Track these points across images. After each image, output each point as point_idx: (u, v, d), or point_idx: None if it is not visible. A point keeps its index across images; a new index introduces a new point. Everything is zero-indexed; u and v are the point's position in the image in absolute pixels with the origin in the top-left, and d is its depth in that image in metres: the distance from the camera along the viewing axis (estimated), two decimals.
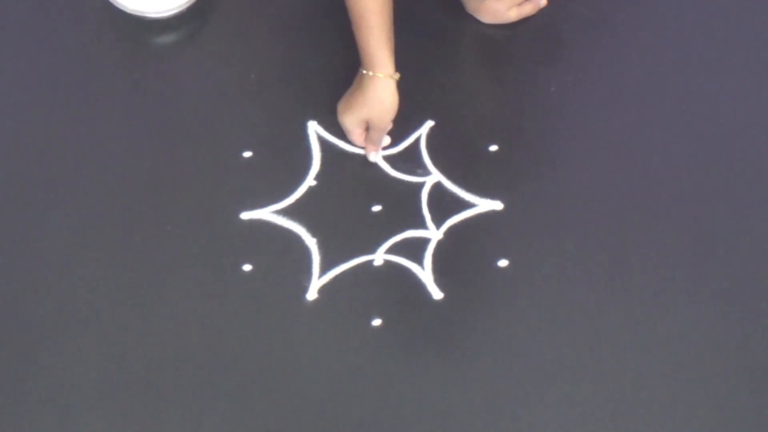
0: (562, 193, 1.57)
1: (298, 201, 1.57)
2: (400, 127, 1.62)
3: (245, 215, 1.56)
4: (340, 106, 1.57)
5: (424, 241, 1.54)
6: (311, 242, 1.54)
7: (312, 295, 1.50)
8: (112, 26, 1.72)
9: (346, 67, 1.63)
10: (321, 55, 1.66)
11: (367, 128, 1.56)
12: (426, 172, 1.59)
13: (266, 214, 1.56)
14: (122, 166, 1.60)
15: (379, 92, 1.51)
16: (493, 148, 1.60)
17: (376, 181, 1.58)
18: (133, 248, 1.54)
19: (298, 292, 1.51)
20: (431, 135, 1.62)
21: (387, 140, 1.59)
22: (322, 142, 1.61)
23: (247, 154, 1.60)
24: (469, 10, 1.70)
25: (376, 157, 1.59)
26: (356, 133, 1.57)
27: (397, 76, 1.51)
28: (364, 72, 1.51)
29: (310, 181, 1.58)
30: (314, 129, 1.62)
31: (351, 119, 1.56)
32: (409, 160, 1.60)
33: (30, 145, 1.62)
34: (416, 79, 1.66)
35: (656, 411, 1.42)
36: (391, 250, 1.53)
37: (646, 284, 1.50)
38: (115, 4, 1.70)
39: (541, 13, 1.70)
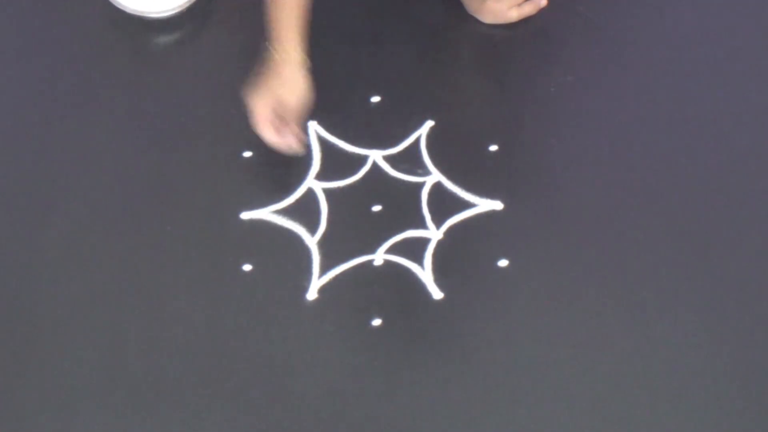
0: (562, 193, 1.57)
1: (298, 201, 1.57)
2: (400, 127, 1.62)
3: (245, 215, 1.56)
4: (249, 90, 1.52)
5: (424, 241, 1.54)
6: (311, 242, 1.54)
7: (312, 295, 1.50)
8: (112, 26, 1.72)
9: (346, 67, 1.64)
10: (321, 55, 1.66)
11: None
12: (426, 172, 1.59)
13: (266, 214, 1.56)
14: (122, 166, 1.60)
15: (289, 71, 1.48)
16: (493, 148, 1.60)
17: (376, 181, 1.58)
18: (133, 248, 1.54)
19: (298, 292, 1.51)
20: (431, 135, 1.62)
21: (301, 134, 1.54)
22: (322, 142, 1.61)
23: (247, 154, 1.61)
24: (470, 11, 1.70)
25: (296, 145, 1.53)
26: (265, 117, 1.50)
27: (306, 61, 1.48)
28: (274, 53, 1.48)
29: (310, 181, 1.58)
30: (314, 129, 1.62)
31: (259, 100, 1.50)
32: (409, 160, 1.60)
33: (30, 145, 1.62)
34: (416, 79, 1.66)
35: (656, 411, 1.42)
36: (391, 250, 1.53)
37: (646, 284, 1.50)
38: (115, 4, 1.70)
39: (541, 13, 1.70)
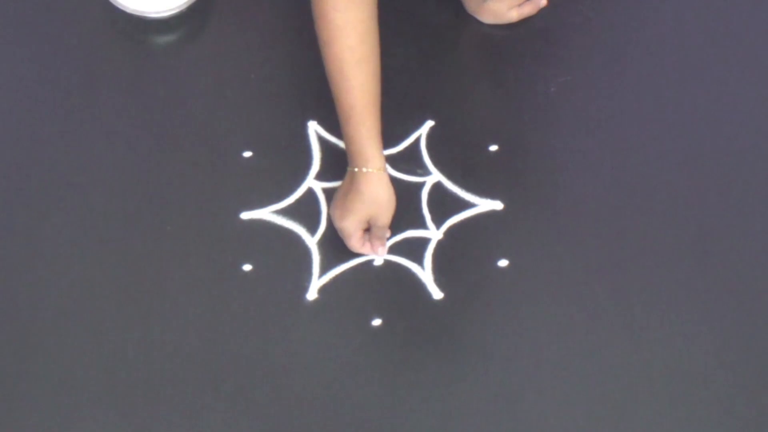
0: (562, 193, 1.57)
1: (298, 201, 1.57)
2: (400, 127, 1.62)
3: (245, 215, 1.56)
4: (336, 212, 1.50)
5: (424, 241, 1.54)
6: (311, 242, 1.54)
7: (312, 295, 1.50)
8: (112, 26, 1.72)
9: None
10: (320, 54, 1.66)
11: (368, 228, 1.50)
12: (426, 172, 1.59)
13: (266, 214, 1.56)
14: (122, 166, 1.60)
15: (376, 188, 1.45)
16: (493, 148, 1.60)
17: None
18: (133, 248, 1.54)
19: (298, 292, 1.51)
20: (431, 135, 1.62)
21: (388, 233, 1.52)
22: (322, 142, 1.61)
23: (247, 154, 1.60)
24: (470, 11, 1.70)
25: (385, 251, 1.52)
26: (357, 236, 1.49)
27: (387, 169, 1.45)
28: (356, 170, 1.44)
29: (310, 181, 1.58)
30: (314, 129, 1.62)
31: (351, 222, 1.48)
32: (409, 160, 1.60)
33: (30, 145, 1.62)
34: (416, 79, 1.66)
35: (656, 411, 1.42)
36: (391, 250, 1.53)
37: (646, 284, 1.50)
38: (115, 4, 1.70)
39: (541, 13, 1.70)
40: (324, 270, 1.52)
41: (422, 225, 1.55)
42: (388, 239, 1.52)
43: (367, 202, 1.46)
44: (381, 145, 1.45)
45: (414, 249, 1.53)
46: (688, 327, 1.47)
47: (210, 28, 1.73)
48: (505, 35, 1.70)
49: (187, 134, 1.63)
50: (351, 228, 1.49)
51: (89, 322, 1.49)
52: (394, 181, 1.57)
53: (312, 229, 1.55)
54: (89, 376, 1.45)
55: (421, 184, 1.58)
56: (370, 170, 1.44)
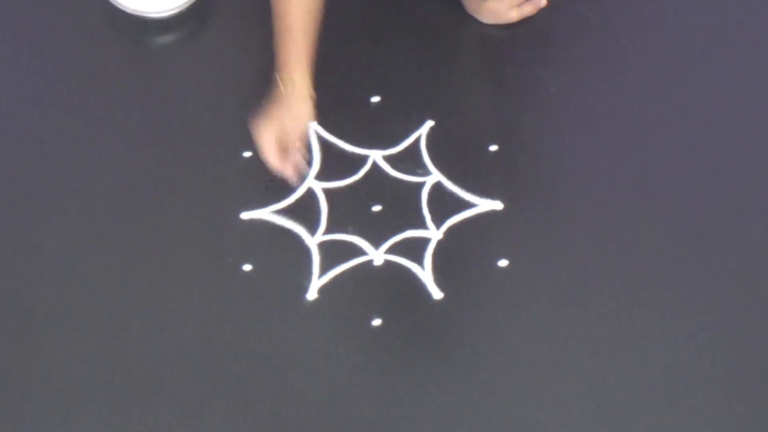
0: (562, 193, 1.57)
1: (298, 201, 1.57)
2: (400, 127, 1.62)
3: (245, 215, 1.56)
4: (254, 118, 1.51)
5: (424, 241, 1.54)
6: (311, 242, 1.54)
7: (312, 295, 1.50)
8: (112, 26, 1.72)
9: (346, 67, 1.64)
10: (321, 55, 1.66)
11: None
12: (426, 172, 1.59)
13: (266, 214, 1.56)
14: (122, 166, 1.60)
15: (295, 97, 1.47)
16: (493, 148, 1.60)
17: (376, 181, 1.58)
18: (133, 248, 1.54)
19: (298, 292, 1.51)
20: (431, 135, 1.62)
21: (308, 169, 1.53)
22: (322, 142, 1.61)
23: (247, 154, 1.60)
24: (470, 11, 1.70)
25: (299, 181, 1.53)
26: (269, 144, 1.49)
27: (312, 93, 1.48)
28: (279, 80, 1.47)
29: (310, 181, 1.58)
30: (314, 129, 1.62)
31: (265, 127, 1.49)
32: (409, 160, 1.60)
33: (30, 145, 1.62)
34: (416, 80, 1.66)
35: (656, 411, 1.42)
36: (391, 250, 1.53)
37: (646, 284, 1.50)
38: (115, 4, 1.70)
39: (541, 13, 1.70)
40: (324, 270, 1.52)
41: (422, 225, 1.55)
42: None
43: (283, 111, 1.48)
44: (309, 69, 1.48)
45: (414, 249, 1.53)
46: (689, 327, 1.47)
47: (210, 28, 1.73)
48: (505, 35, 1.70)
49: (187, 134, 1.63)
50: (263, 133, 1.50)
51: (89, 322, 1.49)
52: (394, 181, 1.58)
53: (312, 229, 1.55)
54: (89, 376, 1.45)
55: (421, 184, 1.58)
56: (293, 86, 1.47)
